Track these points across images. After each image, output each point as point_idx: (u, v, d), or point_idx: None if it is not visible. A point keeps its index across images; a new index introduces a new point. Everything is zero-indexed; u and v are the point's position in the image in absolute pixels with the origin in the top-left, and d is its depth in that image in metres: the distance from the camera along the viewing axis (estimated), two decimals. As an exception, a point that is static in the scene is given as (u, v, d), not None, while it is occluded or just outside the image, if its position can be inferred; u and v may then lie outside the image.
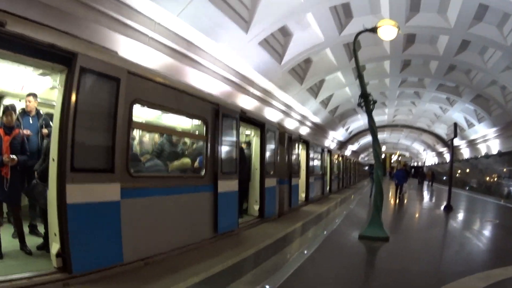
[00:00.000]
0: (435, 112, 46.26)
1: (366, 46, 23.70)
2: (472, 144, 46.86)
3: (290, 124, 29.67)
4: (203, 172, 9.50)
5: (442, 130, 52.95)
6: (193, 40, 15.26)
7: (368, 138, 67.08)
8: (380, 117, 49.26)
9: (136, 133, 10.11)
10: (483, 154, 42.76)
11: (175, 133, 10.59)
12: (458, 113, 40.67)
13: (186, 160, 10.36)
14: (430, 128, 55.82)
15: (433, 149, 70.35)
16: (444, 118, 45.08)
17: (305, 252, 8.87)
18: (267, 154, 13.89)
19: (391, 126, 59.14)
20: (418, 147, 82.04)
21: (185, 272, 6.78)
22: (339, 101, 35.37)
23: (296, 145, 18.14)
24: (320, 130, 40.12)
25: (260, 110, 23.39)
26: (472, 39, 22.34)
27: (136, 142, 10.13)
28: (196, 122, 10.38)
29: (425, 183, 51.24)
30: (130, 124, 7.09)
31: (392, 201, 24.04)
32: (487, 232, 14.36)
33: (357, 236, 11.06)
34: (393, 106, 44.79)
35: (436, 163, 71.75)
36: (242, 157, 12.45)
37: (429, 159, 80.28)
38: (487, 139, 40.99)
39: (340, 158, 35.72)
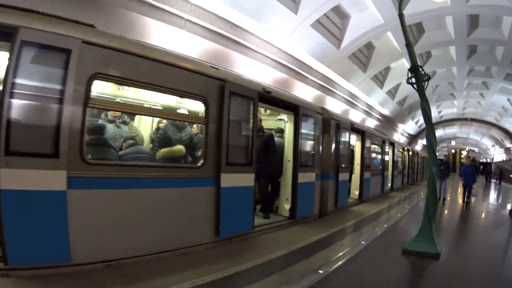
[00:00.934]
0: (503, 105, 41.18)
1: (429, 30, 22.27)
2: None
3: (356, 116, 27.26)
4: (200, 163, 7.09)
5: (510, 124, 48.50)
6: (236, 22, 13.32)
7: (439, 133, 63.52)
8: (449, 109, 47.05)
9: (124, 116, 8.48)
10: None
11: (159, 114, 8.44)
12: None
13: (178, 148, 7.74)
14: (499, 122, 51.05)
15: (501, 145, 64.65)
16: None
17: (321, 272, 6.32)
18: (303, 143, 10.74)
19: (461, 120, 54.96)
20: (487, 142, 75.52)
21: (144, 284, 5.31)
22: (407, 92, 31.51)
23: (347, 134, 14.45)
24: (388, 122, 37.01)
25: (321, 99, 21.18)
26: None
27: (114, 126, 8.19)
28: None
29: (492, 182, 46.74)
30: (87, 103, 5.55)
31: (458, 205, 19.84)
32: None
33: (401, 250, 8.30)
34: (462, 98, 40.82)
35: (504, 159, 65.88)
36: (270, 147, 10.09)
37: (497, 155, 73.36)
38: None
39: (406, 152, 31.58)
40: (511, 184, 42.51)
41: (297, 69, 17.98)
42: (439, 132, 62.74)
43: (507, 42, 22.22)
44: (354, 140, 16.64)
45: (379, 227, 11.11)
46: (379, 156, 21.01)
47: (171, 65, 6.60)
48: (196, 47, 12.22)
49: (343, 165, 13.82)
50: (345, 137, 14.18)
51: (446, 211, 17.04)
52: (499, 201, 25.16)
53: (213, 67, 7.73)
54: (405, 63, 24.58)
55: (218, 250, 7.11)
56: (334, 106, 22.85)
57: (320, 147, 12.24)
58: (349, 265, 7.04)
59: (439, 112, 48.00)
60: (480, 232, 13.17)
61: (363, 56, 22.73)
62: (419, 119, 46.54)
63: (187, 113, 8.70)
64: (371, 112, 30.54)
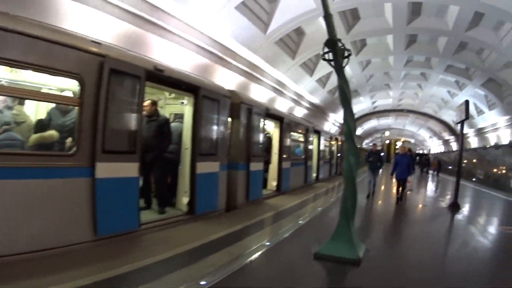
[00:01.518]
0: (442, 97, 42.65)
1: (366, 17, 22.37)
2: (480, 133, 43.98)
3: (284, 104, 27.21)
4: (72, 150, 6.50)
5: (449, 116, 49.54)
6: (156, 3, 12.78)
7: (373, 123, 64.89)
8: (384, 100, 47.98)
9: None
10: (492, 144, 39.36)
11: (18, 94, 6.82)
12: (467, 99, 37.60)
13: (49, 133, 7.03)
14: (437, 114, 52.85)
15: (439, 136, 67.50)
16: (452, 103, 41.63)
17: (203, 283, 5.48)
18: (204, 129, 10.14)
19: (397, 111, 56.27)
20: (424, 134, 78.74)
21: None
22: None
23: (261, 120, 14.08)
24: (318, 111, 37.14)
25: (246, 87, 21.03)
26: (486, 10, 19.34)
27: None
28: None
29: (430, 173, 48.08)
30: None
31: (390, 201, 18.35)
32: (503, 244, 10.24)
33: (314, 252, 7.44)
34: (398, 89, 41.67)
35: (442, 151, 68.32)
36: (165, 133, 9.53)
37: (434, 147, 77.07)
38: (498, 128, 37.97)
39: (334, 141, 31.80)
40: (449, 176, 43.55)
41: (221, 54, 17.58)
42: (372, 123, 64.33)
43: (451, 32, 22.70)
44: (269, 127, 16.74)
45: (293, 223, 10.52)
46: (302, 145, 21.09)
47: (35, 38, 5.82)
48: (113, 28, 11.66)
49: (255, 154, 13.51)
50: (258, 123, 13.86)
51: (376, 208, 16.54)
52: (437, 192, 25.71)
53: (93, 42, 7.06)
54: None
55: (99, 250, 6.53)
56: (260, 93, 22.76)
57: (227, 134, 11.81)
58: (242, 274, 6.24)
59: (373, 102, 48.94)
60: (410, 226, 12.99)
61: (291, 42, 22.55)
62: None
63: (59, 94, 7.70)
64: (300, 101, 30.48)
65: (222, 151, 11.17)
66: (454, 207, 15.97)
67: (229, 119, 12.13)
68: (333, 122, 45.79)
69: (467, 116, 16.17)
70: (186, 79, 9.56)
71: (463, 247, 9.85)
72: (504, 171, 33.15)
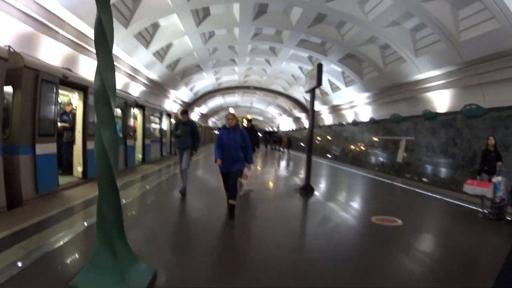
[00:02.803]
0: (293, 74, 44.91)
1: None
2: (336, 110, 46.34)
3: (117, 80, 26.52)
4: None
5: (300, 94, 52.26)
6: None
7: (219, 101, 66.12)
8: (229, 76, 49.03)
9: None
10: (349, 121, 42.23)
11: None
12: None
13: None
14: (287, 91, 55.26)
15: (289, 114, 70.49)
16: (303, 80, 42.87)
17: None
18: None
19: (243, 88, 58.06)
20: (273, 111, 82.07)
21: None
22: (179, 54, 32.57)
23: (54, 90, 12.97)
24: (158, 88, 37.47)
25: (75, 58, 20.61)
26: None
27: None
28: None
29: (281, 150, 50.97)
30: None
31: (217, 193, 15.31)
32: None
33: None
34: (244, 64, 42.62)
35: (294, 129, 72.50)
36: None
37: (284, 124, 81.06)
38: (355, 106, 40.13)
39: (166, 118, 33.24)
40: (300, 153, 46.01)
41: (46, 22, 16.94)
42: (218, 101, 65.51)
43: (308, 3, 23.65)
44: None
45: (77, 226, 9.20)
46: (120, 122, 21.23)
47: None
48: None
49: (44, 133, 12.18)
50: (50, 94, 12.78)
51: (194, 210, 12.84)
52: (288, 172, 26.80)
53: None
54: (178, 21, 25.57)
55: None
56: (91, 67, 22.08)
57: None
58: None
59: (217, 79, 49.87)
60: (244, 240, 9.55)
61: (125, 8, 22.33)
62: (193, 86, 48.46)
63: None
64: (136, 76, 30.46)
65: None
66: (307, 190, 16.33)
67: (9, 89, 11.03)
68: (174, 99, 46.02)
69: (320, 82, 15.97)
70: None
71: (316, 259, 7.87)
72: (363, 148, 35.77)
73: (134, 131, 24.04)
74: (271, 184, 19.83)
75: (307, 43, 32.52)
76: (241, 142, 11.37)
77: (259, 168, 27.49)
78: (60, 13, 17.63)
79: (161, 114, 30.90)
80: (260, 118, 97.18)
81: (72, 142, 16.13)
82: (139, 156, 24.76)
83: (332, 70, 36.91)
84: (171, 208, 12.47)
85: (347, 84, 38.04)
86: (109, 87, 5.61)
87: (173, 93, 43.63)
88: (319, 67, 16.03)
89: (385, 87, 31.02)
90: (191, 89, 48.59)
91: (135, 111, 23.99)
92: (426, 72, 24.16)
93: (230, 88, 56.56)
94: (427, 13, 19.55)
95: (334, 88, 42.16)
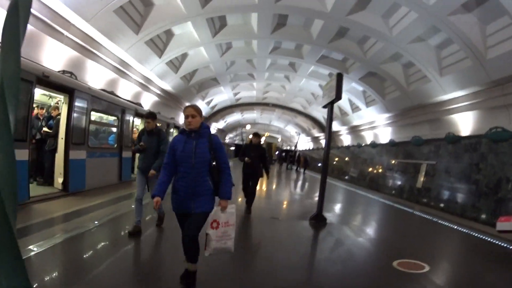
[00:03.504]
0: (312, 92, 42.87)
1: None
2: (355, 130, 44.53)
3: (129, 88, 26.22)
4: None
5: (319, 113, 50.71)
6: None
7: (236, 117, 64.70)
8: (247, 91, 47.78)
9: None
10: (368, 142, 40.27)
11: None
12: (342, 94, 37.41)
13: None
14: (306, 110, 53.81)
15: (308, 133, 69.03)
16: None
17: None
18: None
19: (262, 105, 56.71)
20: (291, 130, 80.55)
21: None
22: (195, 65, 31.13)
23: (28, 89, 11.70)
24: (173, 100, 36.39)
25: (81, 63, 19.56)
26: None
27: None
28: None
29: (297, 170, 49.11)
30: None
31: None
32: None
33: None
34: (262, 80, 41.08)
35: (312, 148, 70.74)
36: None
37: (302, 143, 79.05)
38: (375, 127, 38.32)
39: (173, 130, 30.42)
40: (316, 173, 44.13)
41: (50, 22, 15.98)
42: (237, 116, 64.21)
43: (329, 15, 21.70)
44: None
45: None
46: (116, 130, 19.72)
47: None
48: None
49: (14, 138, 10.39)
50: (26, 95, 11.57)
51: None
52: (300, 194, 24.77)
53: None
54: (193, 30, 24.28)
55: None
56: (99, 72, 21.51)
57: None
58: None
59: (235, 94, 48.56)
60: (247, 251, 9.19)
61: (136, 13, 21.10)
62: (211, 99, 46.95)
63: None
64: (149, 86, 29.37)
65: None
66: (319, 220, 13.56)
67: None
68: None
69: (339, 95, 13.24)
70: None
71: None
72: (381, 171, 33.86)
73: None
74: (279, 210, 16.99)
75: (327, 60, 30.67)
76: (210, 160, 6.37)
77: (269, 188, 25.70)
78: (65, 14, 16.62)
79: (168, 126, 28.84)
80: (278, 136, 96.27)
81: (54, 150, 14.62)
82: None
83: (353, 89, 34.95)
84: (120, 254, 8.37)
85: (368, 104, 35.99)
86: (8, 78, 3.69)
87: None
88: (339, 77, 13.34)
89: (407, 108, 29.24)
90: (207, 103, 47.12)
91: (135, 120, 22.37)
92: (451, 93, 22.54)
93: (248, 104, 55.47)
94: (453, 28, 17.99)
95: (354, 108, 39.58)
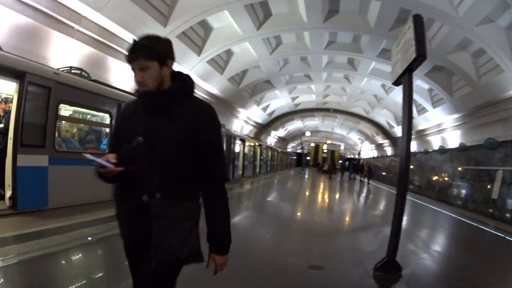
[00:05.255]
0: (375, 93, 38.73)
1: None
2: (420, 135, 40.92)
3: None
4: None
5: (383, 117, 47.61)
6: None
7: (297, 124, 61.83)
8: (306, 96, 44.81)
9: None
10: (435, 148, 35.86)
11: None
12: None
13: None
14: (369, 114, 50.24)
15: (372, 140, 65.84)
16: (386, 101, 38.82)
17: None
18: None
19: (322, 110, 53.02)
20: (354, 137, 76.64)
21: None
22: (242, 64, 27.89)
23: None
24: (223, 105, 32.78)
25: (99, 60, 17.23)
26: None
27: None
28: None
29: (360, 179, 44.20)
30: None
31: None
32: None
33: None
34: (320, 82, 37.35)
35: (375, 157, 66.54)
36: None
37: (365, 151, 75.12)
38: (443, 130, 34.76)
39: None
40: (381, 184, 39.55)
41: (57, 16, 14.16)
42: (297, 124, 62.07)
43: None
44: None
45: None
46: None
47: None
48: None
49: None
50: None
51: None
52: (362, 213, 16.80)
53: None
54: (232, 21, 21.59)
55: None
56: (124, 72, 18.57)
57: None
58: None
59: (293, 99, 45.25)
60: None
61: (163, 4, 18.34)
62: (268, 105, 43.90)
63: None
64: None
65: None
66: (389, 271, 7.27)
67: None
68: (246, 119, 42.08)
69: (422, 50, 7.33)
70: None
71: None
72: (450, 180, 29.31)
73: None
74: (326, 249, 9.29)
75: (389, 53, 26.00)
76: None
77: (321, 207, 17.44)
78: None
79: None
80: (341, 144, 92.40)
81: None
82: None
83: (418, 88, 30.91)
84: None
85: (434, 104, 32.39)
86: None
87: (243, 113, 39.43)
88: (417, 21, 7.05)
89: (477, 106, 25.87)
90: (264, 109, 44.36)
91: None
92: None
93: (308, 110, 52.41)
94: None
95: (420, 110, 36.09)
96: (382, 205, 20.36)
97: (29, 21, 13.00)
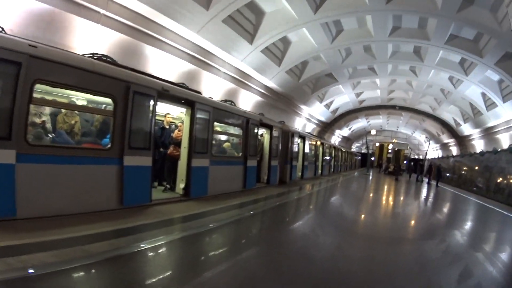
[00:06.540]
0: (442, 87, 35.61)
1: None
2: (489, 133, 37.37)
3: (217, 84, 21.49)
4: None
5: (449, 114, 44.20)
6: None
7: (362, 123, 59.29)
8: (370, 91, 41.71)
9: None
10: (504, 147, 32.71)
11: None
12: (474, 87, 30.47)
13: None
14: (435, 111, 46.57)
15: (437, 139, 61.96)
16: (454, 96, 35.56)
17: None
18: None
19: (387, 108, 49.62)
20: (418, 137, 73.46)
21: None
22: (300, 54, 25.16)
23: None
24: (282, 101, 30.72)
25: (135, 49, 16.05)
26: None
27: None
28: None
29: (427, 182, 40.01)
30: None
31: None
32: None
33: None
34: (385, 75, 34.16)
35: (440, 157, 62.37)
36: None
37: (431, 151, 70.74)
38: (512, 127, 30.68)
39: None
40: (449, 187, 35.98)
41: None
42: (361, 123, 60.34)
43: None
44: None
45: None
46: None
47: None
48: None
49: None
50: None
51: None
52: (433, 228, 12.77)
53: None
54: (284, 2, 19.31)
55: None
56: (172, 63, 17.79)
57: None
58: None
59: (357, 95, 42.12)
60: None
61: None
62: (330, 102, 41.05)
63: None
64: (245, 81, 24.18)
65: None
66: None
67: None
68: (308, 117, 39.75)
69: None
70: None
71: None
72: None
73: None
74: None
75: (457, 40, 24.08)
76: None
77: (380, 220, 13.40)
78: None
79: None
80: (406, 143, 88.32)
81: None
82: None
83: (487, 80, 28.66)
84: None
85: (504, 98, 29.18)
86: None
87: (305, 110, 36.98)
88: None
89: None
90: (327, 106, 41.51)
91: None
92: None
93: (373, 108, 49.16)
94: None
95: (489, 105, 33.19)
96: (457, 216, 17.07)
97: (47, 7, 12.12)
